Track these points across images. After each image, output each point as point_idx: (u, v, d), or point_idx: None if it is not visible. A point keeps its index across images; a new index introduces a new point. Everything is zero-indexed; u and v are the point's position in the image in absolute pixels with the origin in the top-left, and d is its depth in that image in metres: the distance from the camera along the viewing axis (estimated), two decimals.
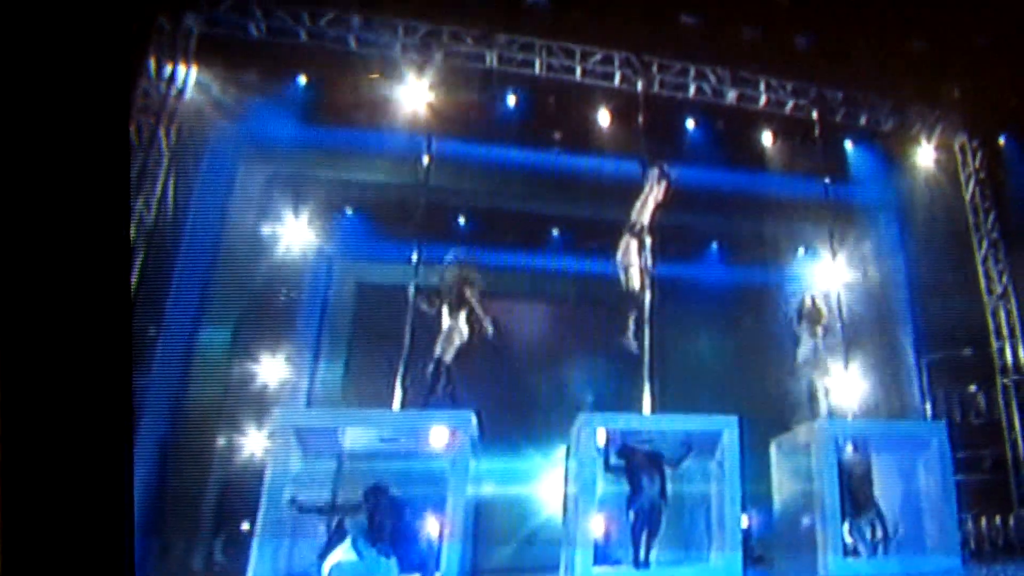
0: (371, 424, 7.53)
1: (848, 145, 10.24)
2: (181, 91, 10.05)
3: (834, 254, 9.58)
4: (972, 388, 10.19)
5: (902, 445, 8.07)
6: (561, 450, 11.22)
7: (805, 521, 7.87)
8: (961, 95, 9.48)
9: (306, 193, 11.69)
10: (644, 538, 7.62)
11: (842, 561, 7.41)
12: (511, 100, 11.27)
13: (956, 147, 9.79)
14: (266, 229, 11.30)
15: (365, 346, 11.67)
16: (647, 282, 8.41)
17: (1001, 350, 8.93)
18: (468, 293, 8.69)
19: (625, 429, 7.82)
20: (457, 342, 8.44)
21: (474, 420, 7.56)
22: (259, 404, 11.13)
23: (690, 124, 11.29)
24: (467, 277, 8.81)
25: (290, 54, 10.78)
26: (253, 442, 10.97)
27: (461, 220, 12.66)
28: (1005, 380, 8.86)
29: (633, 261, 8.60)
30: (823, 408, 8.27)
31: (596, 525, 7.68)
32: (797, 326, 8.78)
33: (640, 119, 9.65)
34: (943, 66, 9.77)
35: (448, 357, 8.34)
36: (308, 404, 11.71)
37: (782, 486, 8.54)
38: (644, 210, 8.87)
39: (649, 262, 8.59)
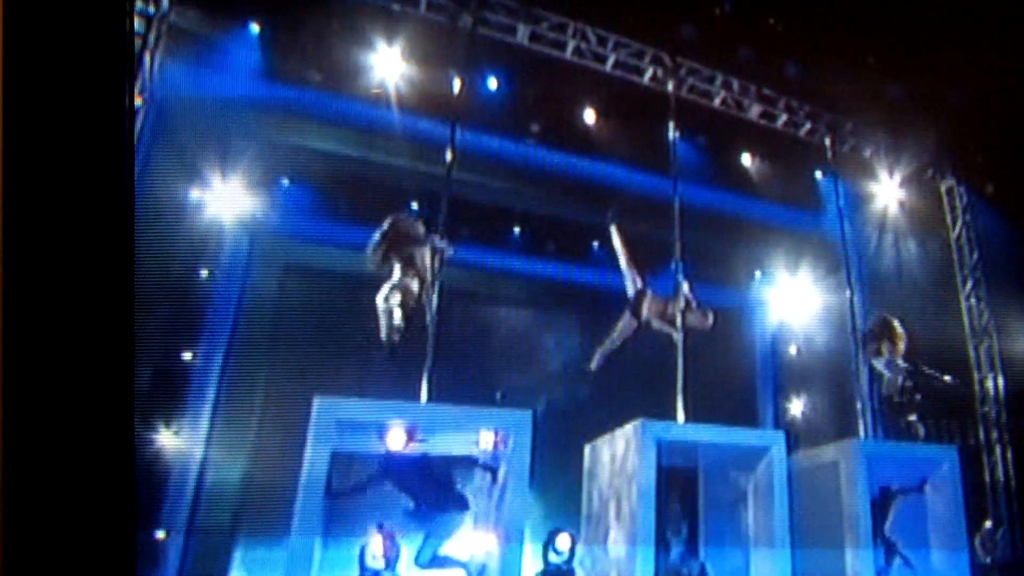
0: (426, 419, 6.51)
1: (841, 175, 10.58)
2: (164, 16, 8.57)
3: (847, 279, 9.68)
4: (913, 417, 10.93)
5: (914, 466, 8.32)
6: None
7: (831, 542, 7.85)
8: (948, 143, 10.14)
9: (240, 154, 10.30)
10: None
11: None
12: (492, 83, 10.61)
13: (943, 190, 10.52)
14: (192, 191, 9.83)
15: (295, 338, 10.39)
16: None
17: (982, 381, 9.63)
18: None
19: (675, 439, 7.38)
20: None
21: (531, 420, 6.79)
22: (168, 396, 9.58)
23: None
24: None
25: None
26: (163, 439, 9.41)
27: (414, 205, 11.77)
28: (985, 409, 9.55)
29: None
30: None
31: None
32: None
33: (671, 126, 9.29)
34: (933, 112, 10.47)
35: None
36: (217, 400, 10.29)
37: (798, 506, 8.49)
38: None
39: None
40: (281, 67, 9.82)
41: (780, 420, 12.89)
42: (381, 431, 6.41)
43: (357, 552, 6.50)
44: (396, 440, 6.36)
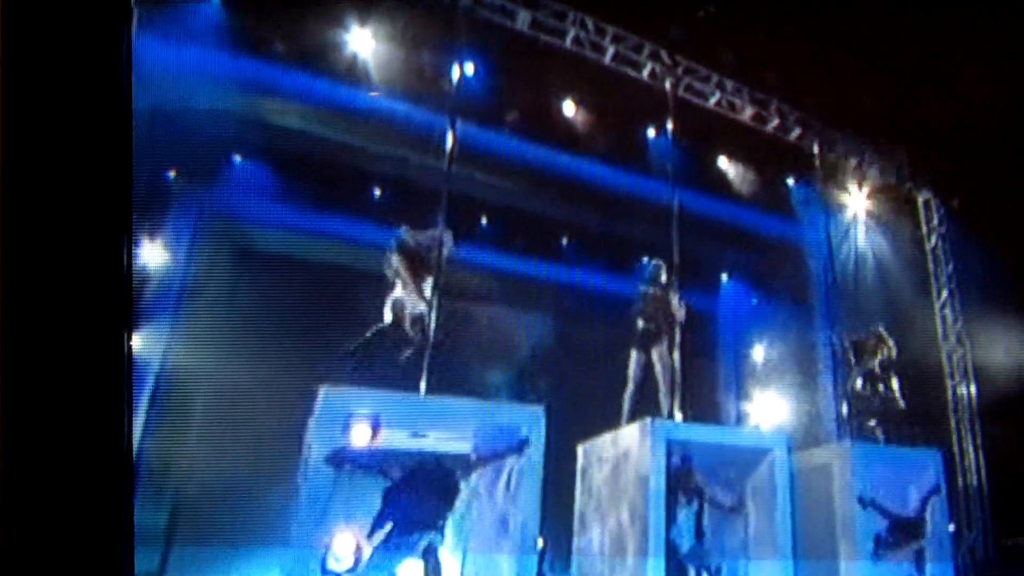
0: (441, 413, 6.09)
1: (823, 183, 10.70)
2: None
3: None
4: (872, 422, 11.22)
5: (902, 468, 8.41)
6: None
7: (825, 543, 7.84)
8: (926, 155, 10.41)
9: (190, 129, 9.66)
10: None
11: None
12: (469, 68, 10.24)
13: (920, 202, 10.80)
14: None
15: (244, 327, 9.78)
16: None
17: (955, 389, 9.91)
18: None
19: (681, 439, 7.19)
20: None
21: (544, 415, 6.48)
22: None
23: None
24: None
25: None
26: None
27: (376, 192, 11.31)
28: (957, 416, 9.82)
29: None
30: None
31: None
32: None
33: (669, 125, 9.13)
34: (913, 125, 10.72)
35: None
36: (155, 392, 9.56)
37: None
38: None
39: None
40: (243, 38, 9.26)
41: (743, 424, 12.98)
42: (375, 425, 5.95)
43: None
44: (360, 435, 5.88)
